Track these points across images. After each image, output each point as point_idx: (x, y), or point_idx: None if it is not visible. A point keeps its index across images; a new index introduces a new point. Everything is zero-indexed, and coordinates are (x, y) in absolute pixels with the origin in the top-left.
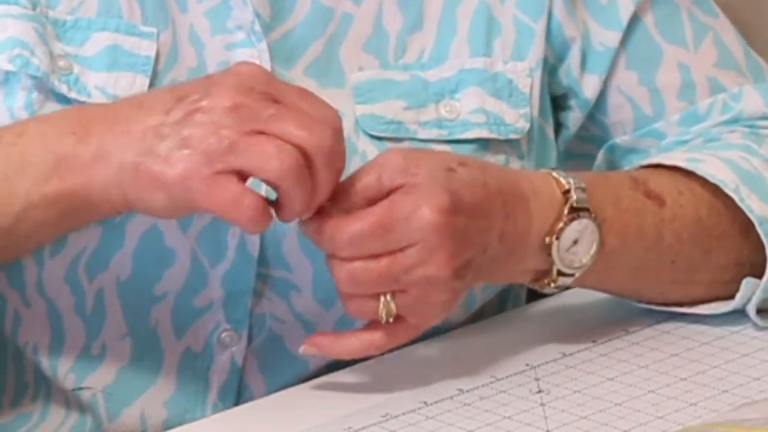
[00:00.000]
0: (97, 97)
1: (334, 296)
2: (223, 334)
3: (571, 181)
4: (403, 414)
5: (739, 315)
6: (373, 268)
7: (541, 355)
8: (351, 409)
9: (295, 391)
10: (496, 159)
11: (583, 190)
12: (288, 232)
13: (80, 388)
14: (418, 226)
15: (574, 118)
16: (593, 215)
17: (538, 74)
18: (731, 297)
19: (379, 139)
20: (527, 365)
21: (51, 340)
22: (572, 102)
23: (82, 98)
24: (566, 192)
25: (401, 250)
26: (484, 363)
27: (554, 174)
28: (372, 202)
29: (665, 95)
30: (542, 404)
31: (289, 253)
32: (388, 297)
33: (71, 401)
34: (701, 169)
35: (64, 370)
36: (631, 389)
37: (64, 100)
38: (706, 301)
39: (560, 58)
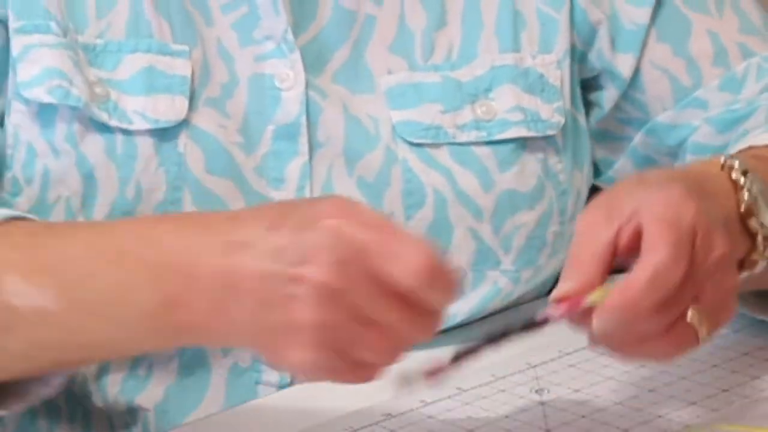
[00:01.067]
0: (138, 122)
1: None
2: None
3: (725, 156)
4: (403, 414)
5: (738, 315)
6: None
7: (541, 354)
8: (351, 409)
9: (295, 390)
10: (535, 158)
11: (737, 158)
12: None
13: (131, 409)
14: (688, 221)
15: (608, 97)
16: (756, 176)
17: (566, 65)
18: None
19: (419, 145)
20: (527, 364)
21: (98, 365)
22: (607, 82)
23: (124, 125)
24: (723, 165)
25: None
26: (484, 362)
27: (702, 159)
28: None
29: (701, 63)
30: (542, 403)
31: None
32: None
33: (116, 424)
34: None
35: (113, 392)
36: (631, 388)
37: (104, 128)
38: None
39: (588, 43)
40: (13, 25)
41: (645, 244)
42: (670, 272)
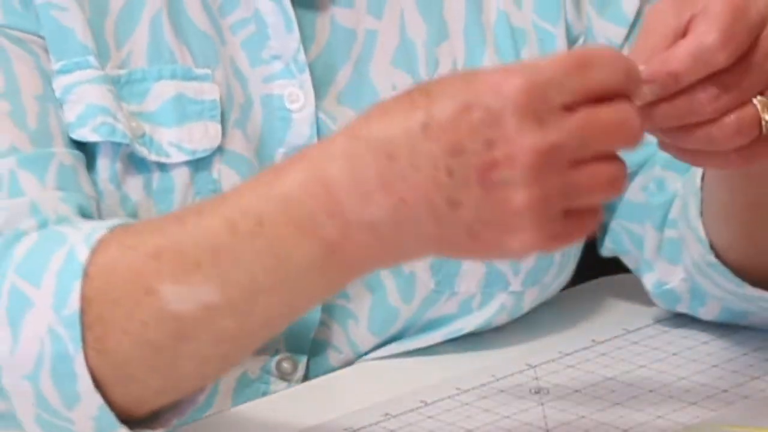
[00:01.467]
0: (176, 155)
1: (387, 327)
2: (283, 362)
3: None
4: (403, 414)
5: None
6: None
7: (541, 354)
8: (351, 409)
9: (294, 391)
10: None
11: None
12: None
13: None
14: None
15: None
16: None
17: None
18: None
19: None
20: (527, 365)
21: None
22: None
23: (162, 159)
24: None
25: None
26: (484, 362)
27: None
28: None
29: None
30: (542, 404)
31: (351, 286)
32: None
33: None
34: None
35: None
36: (631, 389)
37: (143, 164)
38: None
39: None
40: (53, 67)
41: (699, 20)
42: (714, 53)
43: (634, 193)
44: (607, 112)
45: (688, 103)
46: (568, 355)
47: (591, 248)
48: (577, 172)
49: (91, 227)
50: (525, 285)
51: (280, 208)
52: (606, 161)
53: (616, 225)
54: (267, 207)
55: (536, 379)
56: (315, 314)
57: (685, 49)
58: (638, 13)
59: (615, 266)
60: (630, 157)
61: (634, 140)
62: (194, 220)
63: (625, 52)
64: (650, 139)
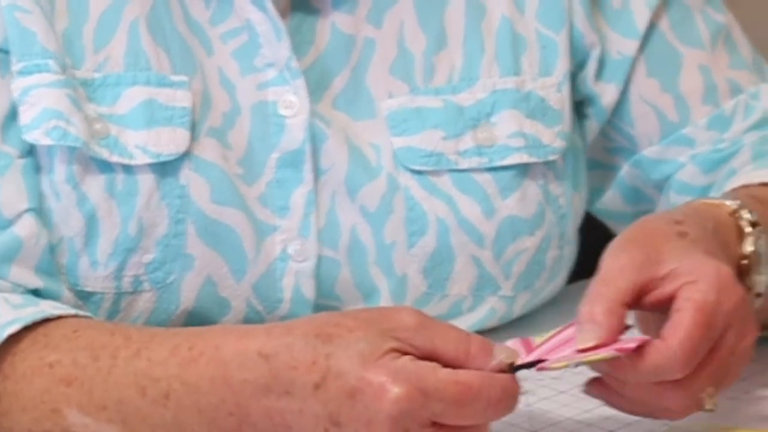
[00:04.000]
0: (140, 158)
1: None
2: None
3: (735, 201)
4: None
5: None
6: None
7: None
8: None
9: None
10: (536, 183)
11: (747, 207)
12: (342, 272)
13: None
14: (727, 308)
15: (590, 126)
16: (763, 228)
17: (566, 87)
18: None
19: (420, 173)
20: None
21: None
22: (589, 110)
23: (125, 160)
24: (733, 212)
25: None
26: None
27: (710, 200)
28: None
29: (690, 100)
30: (528, 405)
31: (343, 290)
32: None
33: None
34: None
35: None
36: None
37: (105, 166)
38: None
39: (580, 66)
40: (14, 68)
41: (675, 322)
42: (675, 371)
43: None
44: None
45: (639, 397)
46: None
47: (583, 250)
48: None
49: (13, 315)
50: (516, 290)
51: (188, 393)
52: None
53: None
54: (176, 387)
55: (522, 381)
56: (307, 310)
57: (648, 364)
58: (651, 26)
59: None
60: (650, 173)
61: None
62: (108, 364)
63: (640, 66)
64: (667, 159)
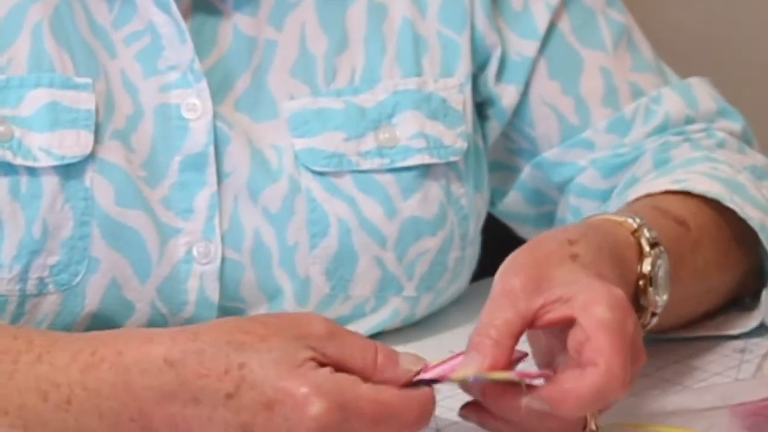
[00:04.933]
0: (44, 160)
1: None
2: None
3: (637, 219)
4: None
5: None
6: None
7: (434, 353)
8: None
9: None
10: (438, 184)
11: (648, 226)
12: (246, 274)
13: None
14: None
15: (491, 128)
16: (663, 247)
17: (468, 89)
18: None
19: (322, 174)
20: None
21: None
22: (490, 111)
23: (29, 162)
24: (635, 231)
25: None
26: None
27: (612, 217)
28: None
29: (590, 103)
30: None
31: (247, 292)
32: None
33: None
34: (696, 188)
35: None
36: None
37: (8, 168)
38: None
39: (481, 67)
40: None
41: (594, 353)
42: (619, 382)
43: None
44: None
45: (525, 423)
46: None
47: (486, 248)
48: None
49: None
50: (419, 290)
51: (89, 398)
52: None
53: None
54: (78, 392)
55: None
56: (211, 313)
57: (591, 390)
58: (551, 28)
59: None
60: (551, 175)
61: None
62: (10, 369)
63: (540, 67)
64: (567, 161)
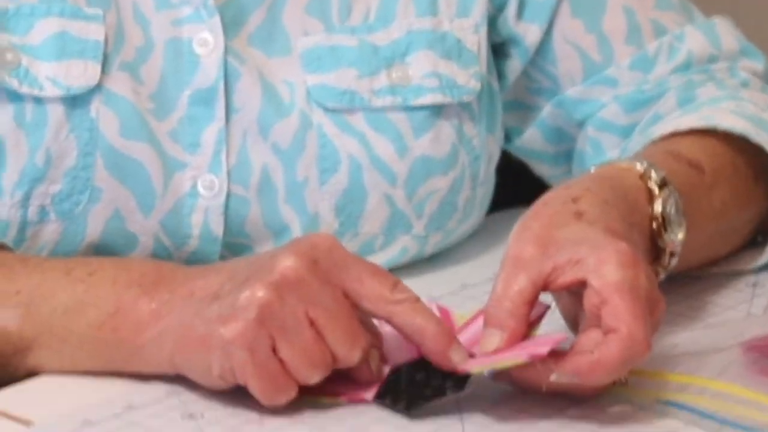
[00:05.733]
0: (50, 90)
1: None
2: None
3: (644, 162)
4: None
5: None
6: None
7: (443, 286)
8: None
9: None
10: (450, 124)
11: (655, 167)
12: (252, 210)
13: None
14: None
15: (512, 67)
16: (673, 186)
17: (483, 30)
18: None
19: (334, 111)
20: (429, 297)
21: None
22: (512, 51)
23: (35, 91)
24: (642, 175)
25: None
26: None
27: (618, 163)
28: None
29: (613, 41)
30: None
31: (252, 227)
32: None
33: None
34: (721, 124)
35: None
36: None
37: (14, 96)
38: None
39: (499, 8)
40: None
41: (613, 318)
42: (643, 346)
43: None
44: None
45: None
46: (469, 287)
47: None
48: (305, 324)
49: None
50: (428, 229)
51: (113, 269)
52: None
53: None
54: (106, 266)
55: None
56: (215, 247)
57: (617, 358)
58: None
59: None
60: (572, 113)
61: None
62: (40, 261)
63: (564, 6)
64: (589, 99)
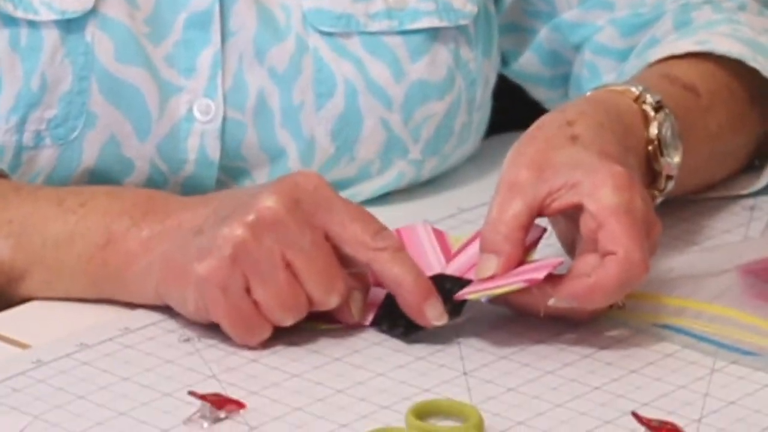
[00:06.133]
0: (45, 14)
1: None
2: None
3: (639, 86)
4: None
5: None
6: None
7: (440, 210)
8: None
9: None
10: (446, 48)
11: (650, 91)
12: (248, 133)
13: None
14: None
15: None
16: (668, 110)
17: None
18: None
19: (330, 34)
20: (425, 220)
21: None
22: None
23: (30, 15)
24: (637, 98)
25: None
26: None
27: (613, 87)
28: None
29: None
30: (458, 343)
31: (249, 151)
32: None
33: None
34: (717, 48)
35: None
36: None
37: (10, 20)
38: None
39: None
40: None
41: (610, 241)
42: (641, 268)
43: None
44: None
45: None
46: (466, 211)
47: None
48: (280, 265)
49: None
50: (424, 154)
51: (106, 201)
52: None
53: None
54: (99, 196)
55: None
56: (212, 171)
57: (616, 281)
58: None
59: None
60: (569, 36)
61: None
62: (35, 188)
63: None
64: (586, 22)
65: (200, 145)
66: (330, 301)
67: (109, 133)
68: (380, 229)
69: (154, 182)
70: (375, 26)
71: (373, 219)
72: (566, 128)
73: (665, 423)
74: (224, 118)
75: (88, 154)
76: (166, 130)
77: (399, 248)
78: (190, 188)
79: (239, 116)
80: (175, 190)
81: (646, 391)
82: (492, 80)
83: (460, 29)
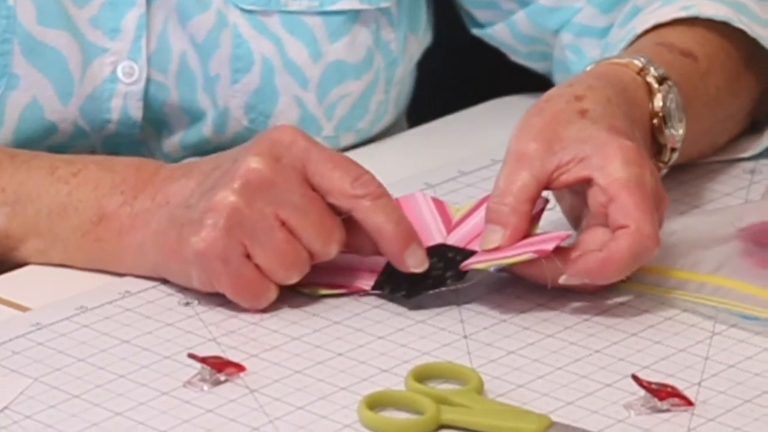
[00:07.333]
0: None
1: (197, 151)
2: None
3: (642, 58)
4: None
5: None
6: None
7: (440, 174)
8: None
9: None
10: (367, 29)
11: (654, 63)
12: (171, 95)
13: None
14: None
15: None
16: (672, 82)
17: None
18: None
19: (250, 12)
20: (426, 184)
21: None
22: None
23: None
24: (641, 71)
25: None
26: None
27: (616, 60)
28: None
29: None
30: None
31: (170, 111)
32: None
33: None
34: (703, 12)
35: None
36: None
37: None
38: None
39: None
40: None
41: (621, 215)
42: (653, 242)
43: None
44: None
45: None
46: (466, 174)
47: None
48: (276, 226)
49: None
50: (338, 130)
51: (97, 172)
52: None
53: None
54: (91, 167)
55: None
56: (134, 130)
57: (628, 254)
58: None
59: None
60: (547, 22)
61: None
62: (30, 157)
63: None
64: (562, 6)
65: (123, 105)
66: (330, 251)
67: (31, 96)
68: (359, 175)
69: (76, 140)
70: (294, 5)
71: (352, 165)
72: (575, 103)
73: (665, 386)
74: (148, 80)
75: (10, 116)
76: (88, 92)
77: (379, 194)
78: (113, 145)
79: (162, 78)
80: (97, 145)
81: (647, 354)
82: (417, 54)
83: (382, 11)
